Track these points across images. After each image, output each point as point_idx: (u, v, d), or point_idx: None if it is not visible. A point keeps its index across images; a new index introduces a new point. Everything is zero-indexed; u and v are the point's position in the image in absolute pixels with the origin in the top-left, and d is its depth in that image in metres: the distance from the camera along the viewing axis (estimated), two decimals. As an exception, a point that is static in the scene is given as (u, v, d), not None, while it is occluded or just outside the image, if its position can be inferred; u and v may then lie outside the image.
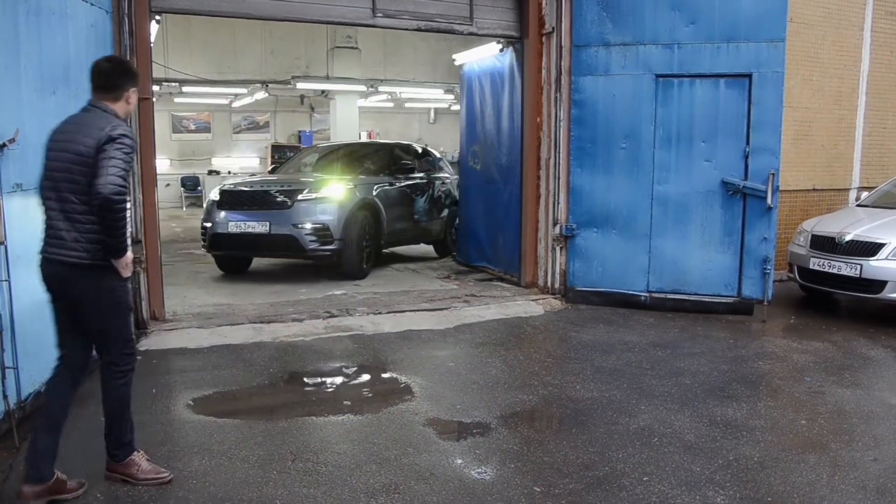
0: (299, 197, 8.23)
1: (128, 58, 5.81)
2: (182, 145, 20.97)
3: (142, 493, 3.38)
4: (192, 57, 16.45)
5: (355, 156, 10.49)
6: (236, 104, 20.20)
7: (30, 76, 4.32)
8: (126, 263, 3.31)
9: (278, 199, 8.27)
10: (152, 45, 6.27)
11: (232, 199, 8.52)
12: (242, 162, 21.36)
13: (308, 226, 8.12)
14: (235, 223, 8.26)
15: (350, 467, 3.67)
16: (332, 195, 8.34)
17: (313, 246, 8.12)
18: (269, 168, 10.73)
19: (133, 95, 3.48)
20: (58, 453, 3.31)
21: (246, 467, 3.67)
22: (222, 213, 8.42)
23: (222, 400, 4.74)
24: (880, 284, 6.66)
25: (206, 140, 21.31)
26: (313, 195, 8.27)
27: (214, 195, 8.77)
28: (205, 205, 9.04)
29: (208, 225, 8.58)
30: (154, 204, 6.20)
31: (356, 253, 8.46)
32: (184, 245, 12.21)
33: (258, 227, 8.18)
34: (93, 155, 3.18)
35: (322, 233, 8.15)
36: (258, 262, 9.65)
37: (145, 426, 4.16)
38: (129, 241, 3.32)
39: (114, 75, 3.43)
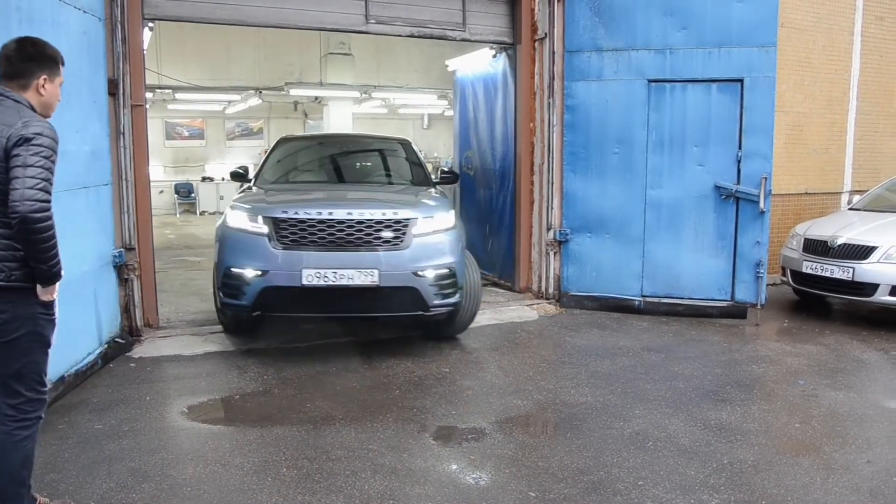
0: (415, 230, 5.58)
1: (121, 65, 5.82)
2: (175, 152, 20.95)
3: (135, 501, 3.37)
4: (185, 63, 16.44)
5: (370, 154, 7.94)
6: (230, 111, 20.19)
7: (22, 84, 4.31)
8: (52, 289, 2.82)
9: (385, 235, 5.50)
10: (145, 51, 6.27)
11: (304, 233, 5.43)
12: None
13: (431, 273, 5.57)
14: (317, 271, 5.30)
15: (345, 474, 3.66)
16: (448, 223, 5.84)
17: (437, 301, 5.63)
18: (231, 172, 7.22)
19: (48, 84, 2.90)
20: (30, 483, 2.96)
21: (241, 475, 3.65)
22: (285, 255, 5.38)
23: (217, 407, 4.72)
24: (872, 287, 6.69)
25: (199, 147, 21.30)
26: (432, 227, 5.70)
27: (252, 222, 5.53)
28: (222, 233, 5.77)
29: (247, 273, 5.39)
30: (147, 210, 6.20)
31: (472, 302, 6.16)
32: (177, 252, 12.19)
33: (359, 277, 5.34)
34: (1, 157, 2.66)
35: (447, 280, 5.66)
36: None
37: (139, 434, 4.16)
38: (61, 265, 2.81)
39: (16, 59, 2.84)
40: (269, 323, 6.64)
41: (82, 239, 5.16)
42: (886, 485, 3.62)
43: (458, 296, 5.77)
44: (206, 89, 17.09)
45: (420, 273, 5.52)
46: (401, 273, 5.47)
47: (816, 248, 7.18)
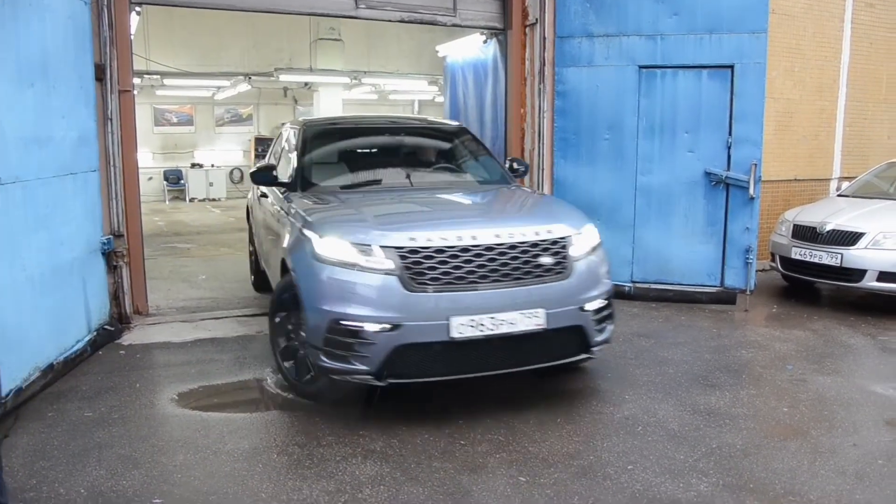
0: (573, 250, 4.38)
1: (108, 50, 5.75)
2: (164, 138, 20.81)
3: (126, 488, 3.37)
4: (174, 49, 16.30)
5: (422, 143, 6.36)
6: (219, 97, 20.07)
7: (6, 69, 4.26)
8: None
9: (545, 261, 4.26)
10: (133, 36, 6.21)
11: (445, 266, 4.04)
12: (226, 156, 21.29)
13: (594, 305, 4.38)
14: (471, 319, 3.99)
15: (336, 459, 3.67)
16: (595, 238, 4.63)
17: (598, 338, 4.46)
18: (254, 173, 5.43)
19: None
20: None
21: (231, 461, 3.65)
22: (424, 299, 3.98)
23: (207, 394, 4.72)
24: (860, 273, 6.73)
25: (188, 133, 21.16)
26: (586, 245, 4.49)
27: (365, 254, 4.05)
28: (309, 265, 4.21)
29: (369, 326, 3.96)
30: (136, 197, 6.16)
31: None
32: (167, 239, 12.13)
33: (523, 321, 4.09)
34: None
35: (607, 311, 4.53)
36: (228, 261, 9.49)
37: (129, 422, 4.15)
38: None
39: None
40: (258, 304, 6.64)
41: (70, 225, 5.13)
42: (871, 467, 3.66)
43: (612, 328, 4.64)
44: (195, 75, 16.97)
45: (586, 307, 4.34)
46: (567, 310, 4.26)
47: (805, 234, 7.22)
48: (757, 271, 7.11)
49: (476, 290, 4.05)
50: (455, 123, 6.82)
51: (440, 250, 4.04)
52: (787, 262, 7.44)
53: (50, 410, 4.28)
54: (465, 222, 4.40)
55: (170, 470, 3.55)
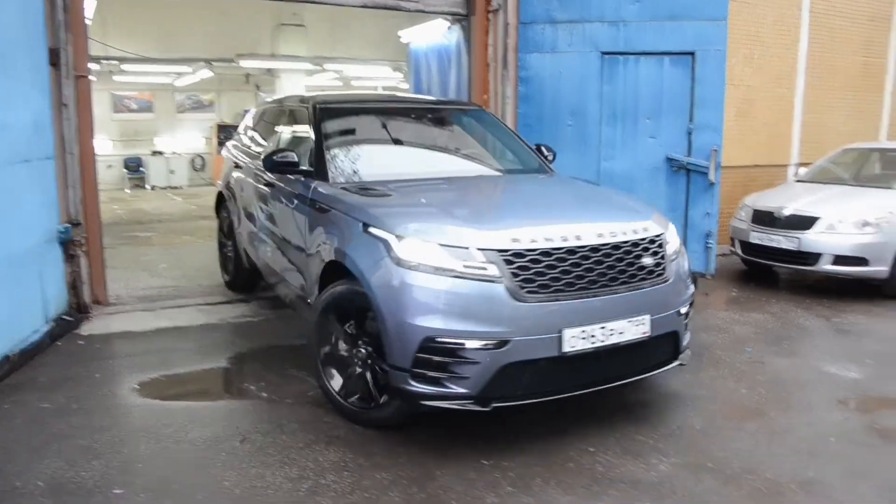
0: (668, 250, 4.06)
1: (62, 34, 5.61)
2: (123, 125, 20.40)
3: (86, 479, 3.32)
4: (132, 34, 15.92)
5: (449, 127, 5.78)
6: (179, 83, 19.72)
7: (-45, 52, 4.14)
8: None
9: (647, 262, 3.89)
10: (90, 21, 6.06)
11: (553, 271, 3.59)
12: (188, 143, 20.97)
13: (685, 309, 4.10)
14: (582, 330, 3.57)
15: (299, 447, 3.66)
16: (675, 235, 4.27)
17: (685, 342, 4.20)
18: (271, 160, 4.60)
19: None
20: None
21: (194, 450, 3.62)
22: (535, 310, 3.50)
23: (169, 383, 4.66)
24: (815, 257, 6.89)
25: (148, 120, 20.77)
26: (675, 243, 4.20)
27: (462, 259, 3.51)
28: (389, 273, 3.57)
29: (471, 343, 3.45)
30: (94, 185, 6.03)
31: None
32: (127, 227, 11.92)
33: (631, 329, 3.72)
34: None
35: (690, 314, 4.27)
36: (190, 249, 9.38)
37: (89, 412, 4.08)
38: None
39: None
40: (221, 293, 6.57)
41: (25, 214, 5.02)
42: (824, 445, 3.77)
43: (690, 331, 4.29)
44: (155, 61, 16.63)
45: (682, 310, 4.03)
46: (668, 315, 3.91)
47: (764, 219, 7.36)
48: (717, 256, 7.25)
49: (586, 297, 3.62)
50: (473, 104, 6.29)
51: (546, 252, 3.59)
52: (747, 247, 7.58)
53: (6, 402, 4.19)
54: (562, 219, 3.91)
55: (131, 460, 3.51)
